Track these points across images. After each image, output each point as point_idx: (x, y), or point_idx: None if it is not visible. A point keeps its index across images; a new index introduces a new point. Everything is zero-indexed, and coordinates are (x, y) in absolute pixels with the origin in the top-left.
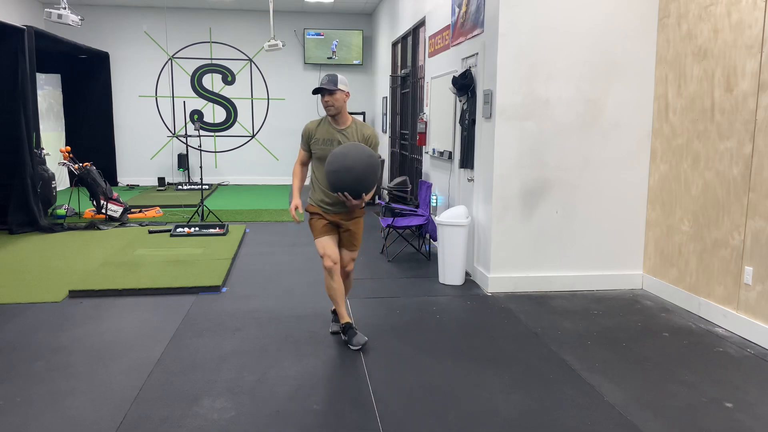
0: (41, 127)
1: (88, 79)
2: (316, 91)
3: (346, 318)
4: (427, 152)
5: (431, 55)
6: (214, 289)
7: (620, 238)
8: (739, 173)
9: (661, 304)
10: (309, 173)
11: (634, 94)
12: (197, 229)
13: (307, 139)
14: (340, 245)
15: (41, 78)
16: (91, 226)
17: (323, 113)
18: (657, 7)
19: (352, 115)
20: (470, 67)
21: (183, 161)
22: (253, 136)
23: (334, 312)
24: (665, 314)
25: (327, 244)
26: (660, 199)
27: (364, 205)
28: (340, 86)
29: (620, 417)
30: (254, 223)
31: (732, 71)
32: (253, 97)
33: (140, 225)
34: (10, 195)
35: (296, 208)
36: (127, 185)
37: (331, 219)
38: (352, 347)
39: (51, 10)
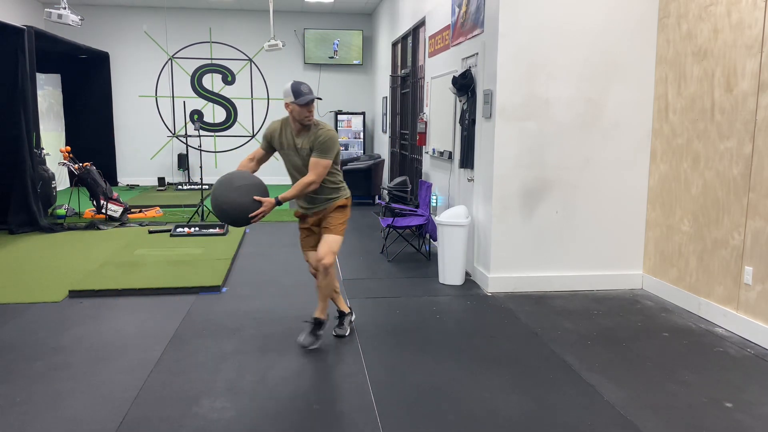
0: (41, 127)
1: (88, 79)
2: (308, 102)
3: (336, 309)
4: (427, 152)
5: (431, 55)
6: (214, 289)
7: (620, 238)
8: (739, 173)
9: (661, 304)
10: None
11: (634, 94)
12: (197, 229)
13: (270, 142)
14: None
15: (41, 78)
16: (91, 226)
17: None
18: (657, 7)
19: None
20: (470, 67)
21: (183, 161)
22: (253, 136)
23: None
24: (665, 314)
25: (307, 257)
26: (660, 199)
27: (258, 216)
28: None
29: (620, 417)
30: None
31: (732, 71)
32: (253, 97)
33: (140, 225)
34: (10, 195)
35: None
36: (127, 185)
37: (311, 222)
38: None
39: (51, 10)
